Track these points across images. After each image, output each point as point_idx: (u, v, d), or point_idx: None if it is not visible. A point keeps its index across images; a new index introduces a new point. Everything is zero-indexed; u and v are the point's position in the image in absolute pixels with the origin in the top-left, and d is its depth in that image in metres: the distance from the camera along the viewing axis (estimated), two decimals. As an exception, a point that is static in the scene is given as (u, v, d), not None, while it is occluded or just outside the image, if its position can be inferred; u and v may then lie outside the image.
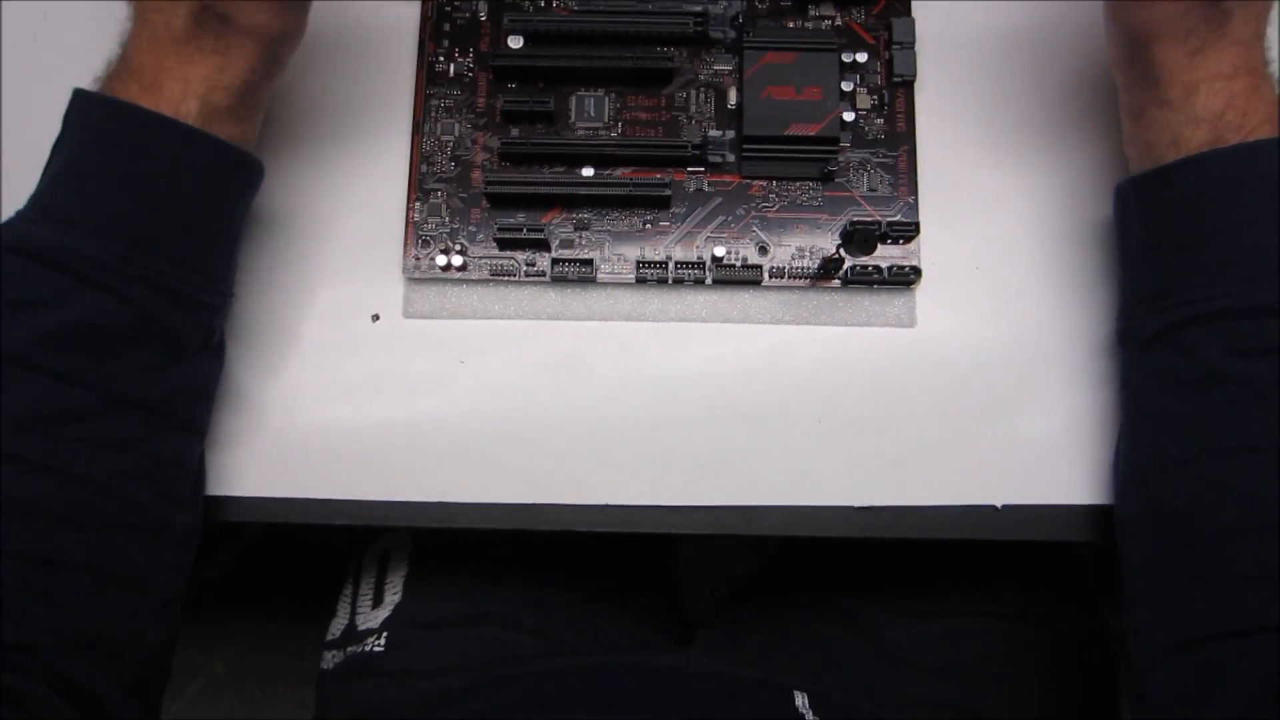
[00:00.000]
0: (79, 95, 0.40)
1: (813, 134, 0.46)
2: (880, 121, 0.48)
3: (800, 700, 0.49)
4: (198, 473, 0.44)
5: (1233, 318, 0.38)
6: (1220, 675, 0.37)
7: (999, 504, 0.45)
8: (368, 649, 0.53)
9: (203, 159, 0.40)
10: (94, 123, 0.40)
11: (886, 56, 0.48)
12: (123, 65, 0.41)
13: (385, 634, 0.53)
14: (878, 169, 0.47)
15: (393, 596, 0.55)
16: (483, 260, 0.47)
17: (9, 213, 0.40)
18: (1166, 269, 0.41)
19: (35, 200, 0.40)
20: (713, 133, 0.48)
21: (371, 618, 0.54)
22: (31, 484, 0.37)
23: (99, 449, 0.38)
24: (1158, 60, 0.40)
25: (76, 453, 0.37)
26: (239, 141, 0.42)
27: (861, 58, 0.48)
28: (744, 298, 0.47)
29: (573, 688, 0.50)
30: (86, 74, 0.42)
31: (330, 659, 0.55)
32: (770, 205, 0.47)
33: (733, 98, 0.48)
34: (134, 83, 0.40)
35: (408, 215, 0.47)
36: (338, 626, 0.56)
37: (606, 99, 0.48)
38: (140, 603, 0.39)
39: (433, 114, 0.48)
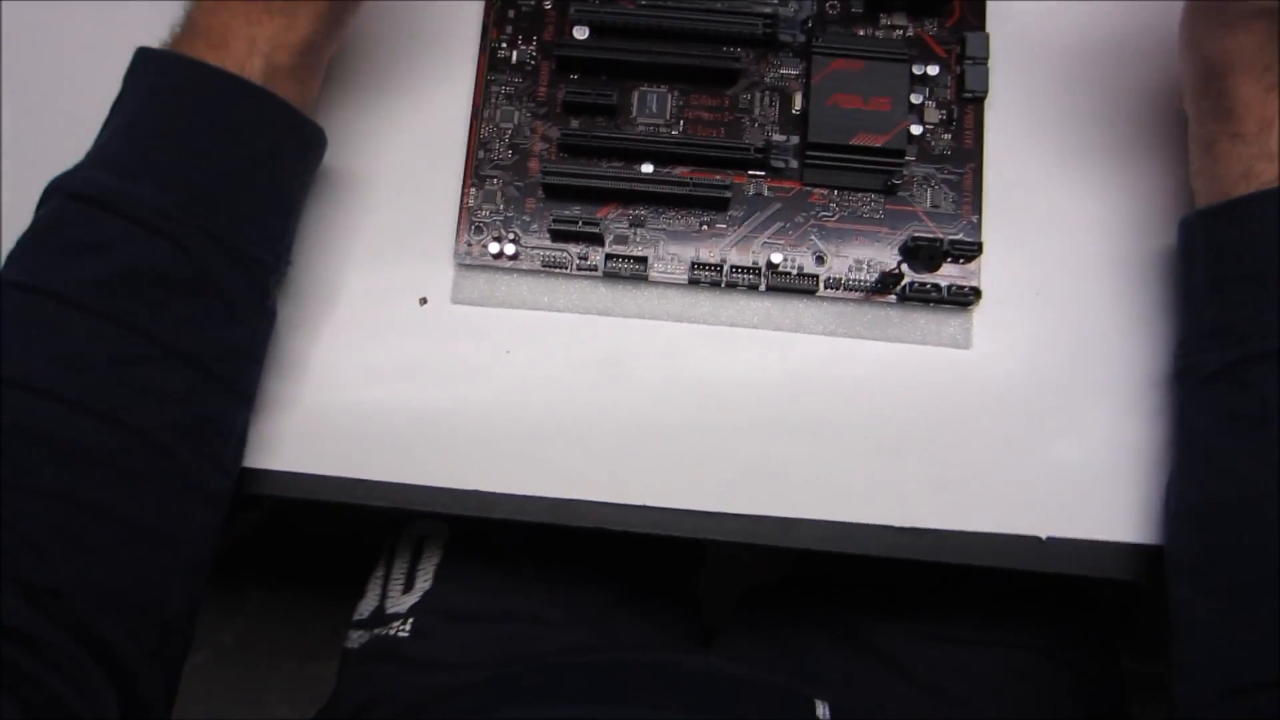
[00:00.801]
0: (142, 52, 0.41)
1: (878, 145, 0.45)
2: (948, 137, 0.47)
3: (822, 710, 0.48)
4: (239, 440, 0.43)
5: None
6: None
7: (1044, 536, 0.44)
8: (393, 633, 0.53)
9: (265, 117, 0.41)
10: (158, 78, 0.40)
11: (958, 71, 0.47)
12: (189, 26, 0.41)
13: (411, 620, 0.53)
14: (942, 185, 0.47)
15: (424, 583, 0.54)
16: (535, 250, 0.46)
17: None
18: (1231, 305, 0.40)
19: (95, 152, 0.40)
20: (776, 137, 0.47)
21: (401, 602, 0.54)
22: (75, 425, 0.37)
23: (145, 398, 0.38)
24: (1232, 93, 0.40)
25: (122, 398, 0.37)
26: (299, 103, 0.42)
27: (933, 70, 0.47)
28: (797, 307, 0.46)
29: (594, 681, 0.50)
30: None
31: (356, 639, 0.55)
32: (830, 215, 0.46)
33: (798, 103, 0.47)
34: (200, 42, 0.41)
35: (462, 200, 0.47)
36: (366, 607, 0.56)
37: (669, 96, 0.48)
38: (167, 561, 0.39)
39: (493, 100, 0.48)
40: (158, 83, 0.40)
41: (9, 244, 0.39)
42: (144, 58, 0.41)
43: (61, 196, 0.39)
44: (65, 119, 0.42)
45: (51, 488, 0.36)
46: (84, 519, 0.36)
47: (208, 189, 0.40)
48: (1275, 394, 0.38)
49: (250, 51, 0.41)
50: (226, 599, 1.12)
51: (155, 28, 0.42)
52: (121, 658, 0.36)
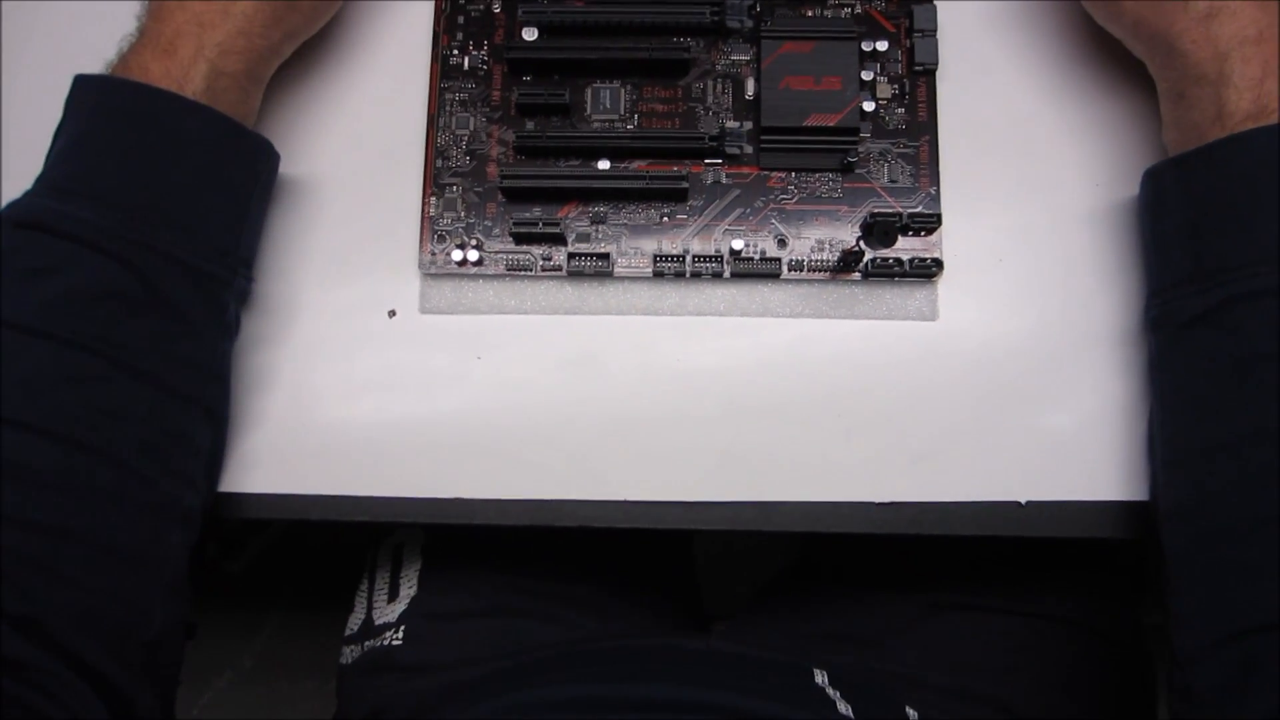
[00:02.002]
0: (79, 78, 0.42)
1: (832, 124, 0.45)
2: (901, 111, 0.47)
3: (820, 677, 0.48)
4: (211, 456, 0.44)
5: (1278, 295, 0.37)
6: (1265, 668, 0.36)
7: (1023, 500, 0.44)
8: (386, 643, 0.53)
9: (201, 130, 0.41)
10: (95, 101, 0.41)
11: (908, 45, 0.47)
12: (140, 33, 0.43)
13: (403, 627, 0.53)
14: (898, 160, 0.47)
15: (408, 590, 0.55)
16: (499, 255, 0.47)
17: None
18: (1209, 249, 0.40)
19: (40, 179, 0.41)
20: (730, 124, 0.47)
21: (388, 611, 0.54)
22: (35, 449, 0.37)
23: (104, 417, 0.38)
24: (1171, 38, 0.40)
25: (81, 419, 0.38)
26: (240, 111, 0.43)
27: (882, 46, 0.47)
28: (763, 291, 0.46)
29: (594, 664, 0.50)
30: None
31: (349, 654, 0.56)
32: (789, 197, 0.47)
33: (750, 88, 0.47)
34: (148, 49, 0.42)
35: (423, 210, 0.47)
36: (355, 621, 0.56)
37: (622, 91, 0.48)
38: (143, 580, 0.39)
39: (448, 108, 0.48)
40: (95, 105, 0.41)
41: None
42: (81, 83, 0.42)
43: (8, 226, 0.40)
44: (21, 148, 0.43)
45: (18, 514, 0.36)
46: (53, 543, 0.36)
47: (151, 205, 0.40)
48: (1258, 332, 0.38)
49: (196, 57, 0.41)
50: (244, 621, 1.13)
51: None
52: (110, 680, 0.36)
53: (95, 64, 0.43)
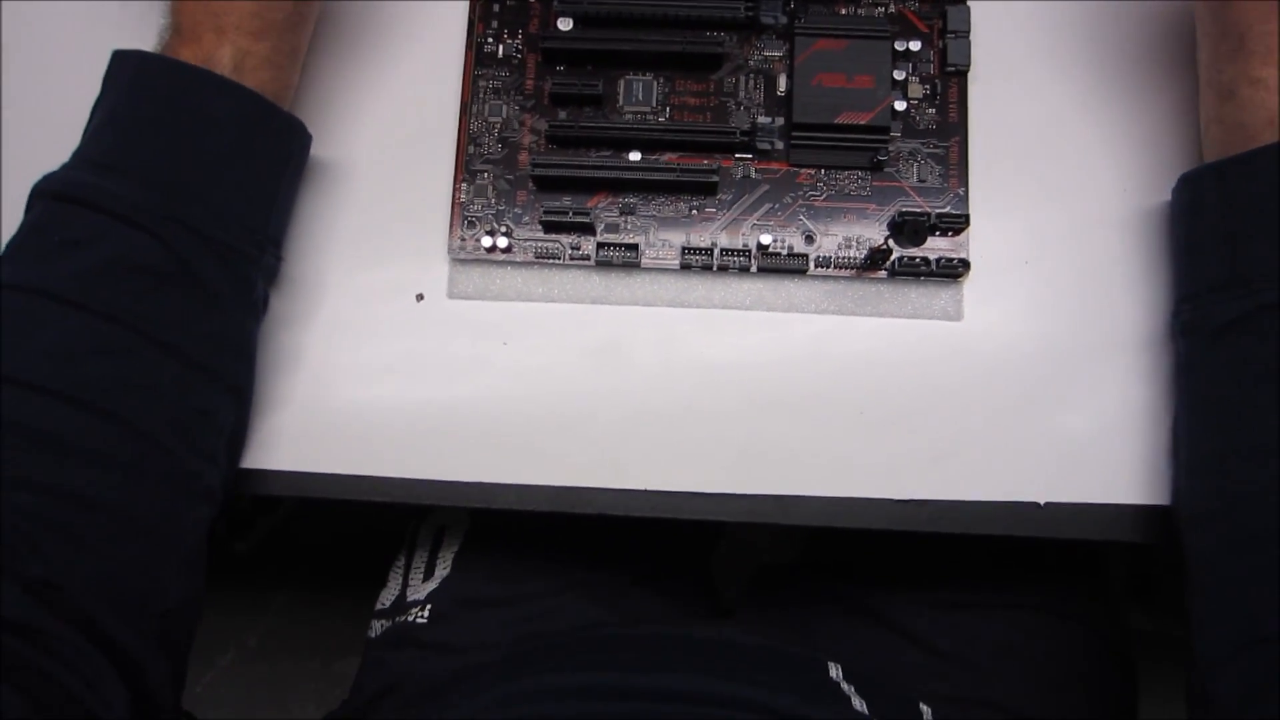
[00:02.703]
0: (117, 54, 0.42)
1: (863, 123, 0.45)
2: (932, 111, 0.47)
3: (835, 671, 0.49)
4: (234, 434, 0.44)
5: None
6: None
7: (1042, 501, 0.44)
8: (411, 619, 0.54)
9: (231, 107, 0.42)
10: (130, 77, 0.42)
11: (940, 45, 0.48)
12: (169, 26, 0.43)
13: (429, 606, 0.54)
14: (928, 159, 0.47)
15: (442, 571, 0.55)
16: (527, 242, 0.47)
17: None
18: (1246, 255, 0.40)
19: (76, 153, 0.42)
20: (761, 119, 0.47)
21: (420, 590, 0.55)
22: (62, 417, 0.37)
23: (131, 389, 0.39)
24: (1250, 34, 0.40)
25: (109, 390, 0.38)
26: (273, 89, 0.43)
27: (915, 46, 0.47)
28: (789, 286, 0.47)
29: (607, 650, 0.50)
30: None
31: (379, 627, 0.56)
32: (818, 194, 0.47)
33: (782, 84, 0.48)
34: (177, 39, 0.43)
35: (454, 196, 0.48)
36: (388, 597, 0.57)
37: (655, 83, 0.48)
38: (160, 552, 0.40)
39: (481, 95, 0.48)
40: (130, 82, 0.42)
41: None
42: (118, 59, 0.42)
43: (45, 199, 0.40)
44: (58, 123, 0.43)
45: (41, 480, 0.37)
46: (74, 511, 0.37)
47: (182, 181, 0.41)
48: None
49: (219, 40, 0.42)
50: (250, 601, 1.13)
51: (149, 30, 0.43)
52: (124, 649, 0.37)
53: (89, 66, 0.43)
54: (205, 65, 0.42)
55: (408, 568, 0.57)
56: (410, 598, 0.55)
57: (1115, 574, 0.59)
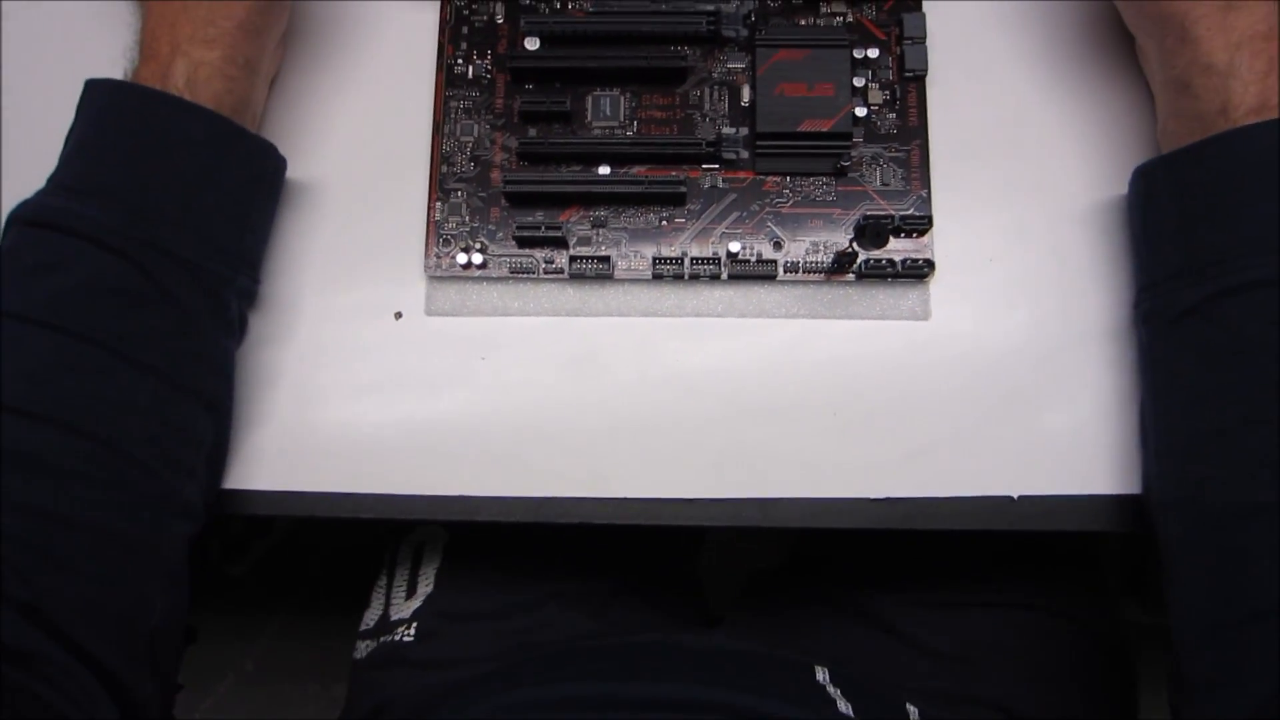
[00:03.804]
0: (88, 84, 0.44)
1: (825, 130, 0.46)
2: (892, 116, 0.48)
3: (821, 674, 0.49)
4: (213, 450, 0.45)
5: (1269, 287, 0.38)
6: (1259, 654, 0.36)
7: (1015, 495, 0.45)
8: (398, 638, 0.54)
9: (199, 130, 0.43)
10: (100, 102, 0.43)
11: (898, 52, 0.49)
12: (135, 46, 0.45)
13: (415, 624, 0.54)
14: (890, 163, 0.48)
15: (425, 588, 0.56)
16: (502, 258, 0.48)
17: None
18: (1201, 243, 0.41)
19: (50, 179, 0.43)
20: (726, 130, 0.48)
21: (404, 608, 0.55)
22: (40, 437, 0.38)
23: (107, 407, 0.40)
24: (1187, 22, 0.40)
25: (84, 409, 0.39)
26: (230, 102, 0.44)
27: (873, 53, 0.48)
28: (759, 292, 0.48)
29: (597, 661, 0.51)
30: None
31: (363, 648, 0.56)
32: (784, 201, 0.48)
33: (746, 95, 0.49)
34: (140, 57, 0.44)
35: (429, 215, 0.48)
36: (371, 617, 0.57)
37: (622, 98, 0.49)
38: (143, 569, 0.40)
39: (452, 115, 0.49)
40: (99, 107, 0.43)
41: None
42: (90, 87, 0.43)
43: (19, 225, 0.41)
44: (32, 149, 0.44)
45: (21, 500, 0.37)
46: (56, 532, 0.37)
47: (151, 204, 0.42)
48: (1249, 323, 0.39)
49: (173, 54, 0.43)
50: (247, 624, 1.13)
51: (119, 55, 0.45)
52: (112, 670, 0.37)
53: (99, 66, 0.44)
54: (163, 81, 0.43)
55: (389, 587, 0.58)
56: (394, 616, 0.55)
57: (1109, 569, 0.59)
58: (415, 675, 0.53)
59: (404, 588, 0.57)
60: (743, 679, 0.50)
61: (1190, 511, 0.40)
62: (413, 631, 0.54)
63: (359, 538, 0.65)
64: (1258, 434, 0.38)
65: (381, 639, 0.55)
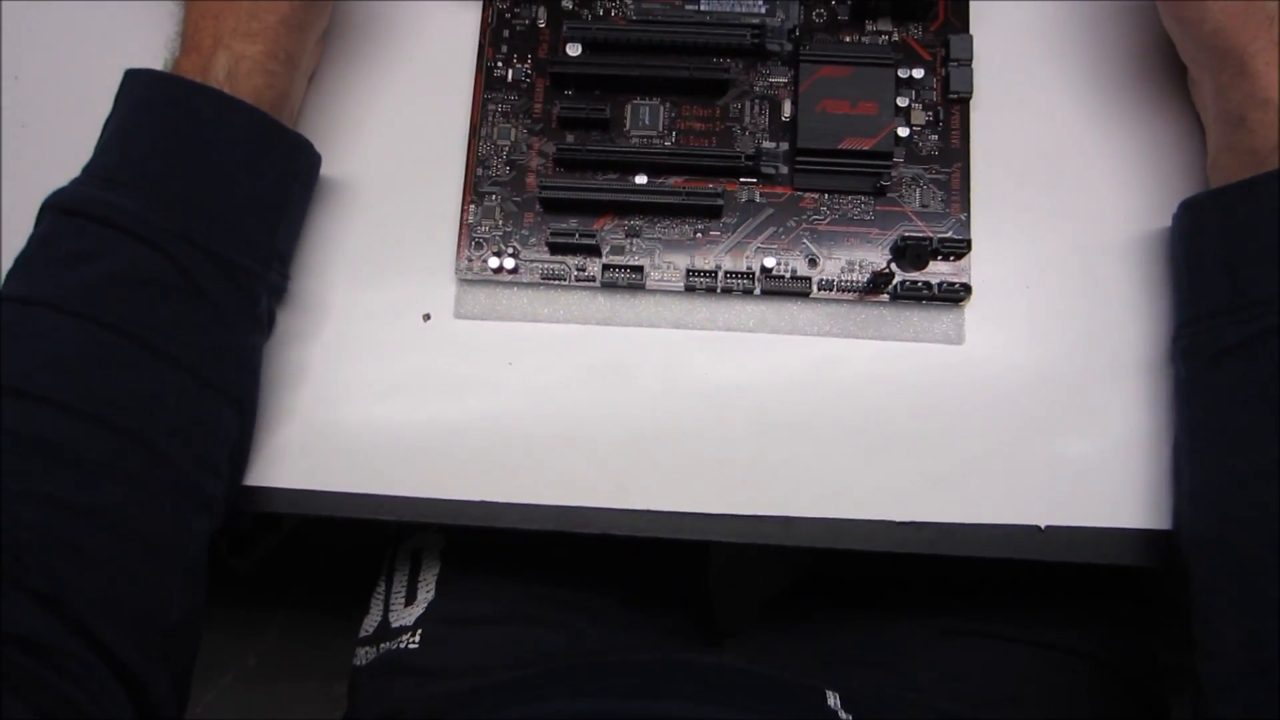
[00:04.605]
0: (128, 74, 0.44)
1: (866, 148, 0.46)
2: (934, 138, 0.48)
3: (833, 700, 0.49)
4: (236, 447, 0.44)
5: None
6: None
7: (1042, 524, 0.45)
8: (402, 646, 0.54)
9: (236, 124, 0.43)
10: (138, 94, 0.43)
11: (943, 73, 0.48)
12: (177, 37, 0.45)
13: (420, 631, 0.54)
14: (930, 185, 0.47)
15: (426, 594, 0.55)
16: (534, 264, 0.48)
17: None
18: (1247, 281, 0.40)
19: (86, 168, 0.42)
20: (766, 144, 0.48)
21: (405, 615, 0.55)
22: (67, 428, 0.38)
23: (135, 400, 0.39)
24: (1245, 57, 0.40)
25: (112, 401, 0.39)
26: (270, 97, 0.44)
27: (918, 74, 0.48)
28: (792, 309, 0.47)
29: (606, 678, 0.50)
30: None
31: (364, 655, 0.56)
32: (821, 218, 0.47)
33: (787, 110, 0.48)
34: (182, 49, 0.44)
35: (462, 217, 0.48)
36: (371, 623, 0.57)
37: (662, 108, 0.49)
38: (163, 565, 0.40)
39: (490, 118, 0.49)
40: (138, 99, 0.43)
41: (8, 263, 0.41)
42: (130, 78, 0.43)
43: (53, 213, 0.41)
44: (68, 138, 0.44)
45: (45, 491, 0.37)
46: (77, 523, 0.37)
47: (186, 196, 0.42)
48: None
49: (215, 46, 0.43)
50: (250, 621, 1.13)
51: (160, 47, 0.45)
52: (128, 663, 0.37)
53: (140, 56, 0.45)
54: (203, 74, 0.43)
55: (388, 593, 0.57)
56: (395, 623, 0.55)
57: (1141, 604, 0.58)
58: (422, 683, 0.53)
59: (403, 594, 0.56)
60: (754, 700, 0.49)
61: (1223, 552, 0.40)
62: (417, 639, 0.54)
63: (366, 537, 0.64)
64: None
65: (383, 646, 0.55)
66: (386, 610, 0.56)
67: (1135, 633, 0.56)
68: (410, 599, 0.56)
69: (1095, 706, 0.53)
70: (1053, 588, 0.55)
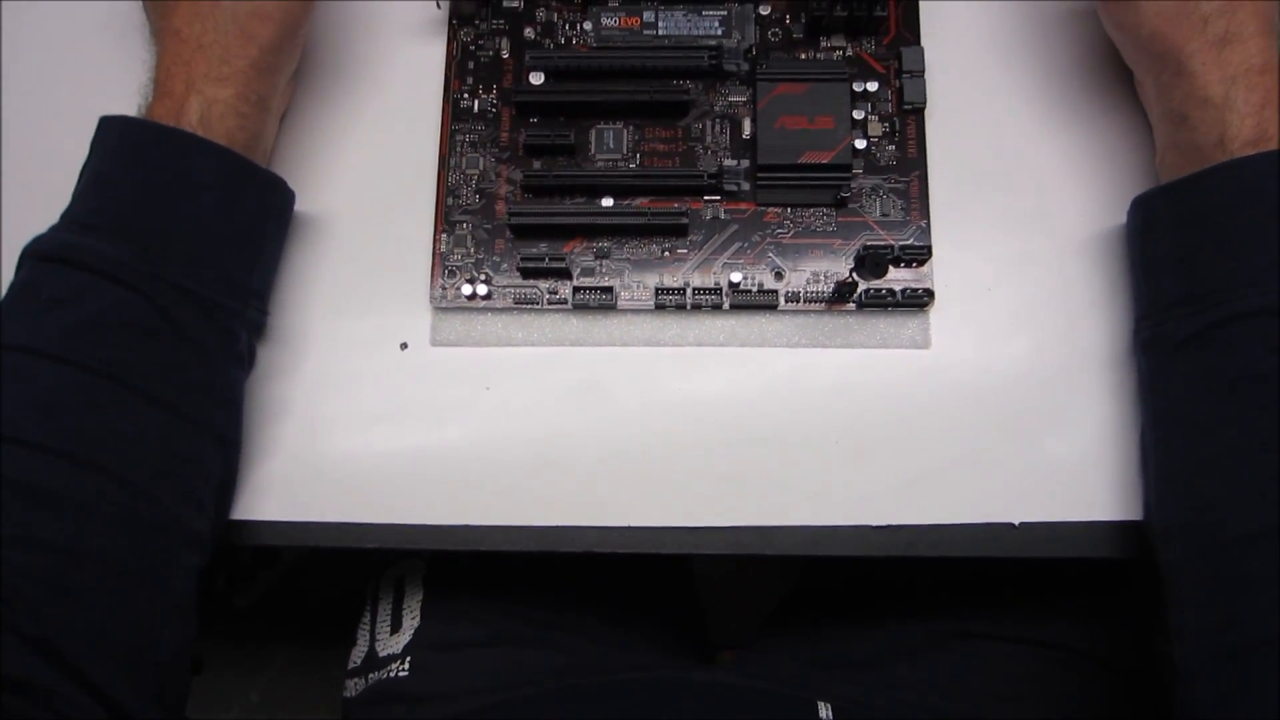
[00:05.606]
0: (102, 120, 0.44)
1: (825, 162, 0.47)
2: (892, 148, 0.49)
3: (824, 711, 0.49)
4: (222, 482, 0.45)
5: (1269, 315, 0.39)
6: (1264, 683, 0.36)
7: (1016, 521, 0.45)
8: (391, 674, 0.54)
9: (210, 167, 0.44)
10: (111, 141, 0.44)
11: (897, 85, 0.49)
12: (149, 83, 0.45)
13: (408, 658, 0.54)
14: (890, 194, 0.48)
15: (411, 621, 0.55)
16: (506, 289, 0.48)
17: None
18: (1200, 272, 0.41)
19: (64, 215, 0.43)
20: (728, 162, 0.49)
21: (391, 643, 0.55)
22: (50, 470, 0.38)
23: (117, 440, 0.40)
24: (1181, 57, 0.41)
25: (95, 442, 0.39)
26: (243, 139, 0.45)
27: (872, 87, 0.49)
28: (760, 322, 0.48)
29: (598, 699, 0.51)
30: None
31: (353, 687, 0.56)
32: (785, 231, 0.48)
33: (747, 128, 0.49)
34: (154, 94, 0.45)
35: (434, 246, 0.49)
36: (358, 654, 0.57)
37: (625, 131, 0.50)
38: (151, 602, 0.40)
39: (458, 149, 0.50)
40: (113, 144, 0.44)
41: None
42: (104, 124, 0.44)
43: (33, 259, 0.42)
44: (46, 185, 0.45)
45: (30, 534, 0.37)
46: (66, 565, 0.38)
47: (163, 239, 0.42)
48: (1251, 352, 0.39)
49: (188, 91, 0.44)
50: (252, 656, 1.13)
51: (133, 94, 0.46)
52: (120, 702, 0.37)
53: (113, 103, 0.45)
54: (177, 118, 0.43)
55: (373, 623, 0.57)
56: (383, 653, 0.55)
57: (1135, 599, 0.58)
58: (414, 710, 0.53)
59: (388, 623, 0.56)
60: (745, 715, 0.50)
61: (1192, 538, 0.40)
62: (406, 666, 0.54)
63: (366, 570, 0.65)
64: (1258, 461, 0.38)
65: (371, 676, 0.55)
66: (373, 640, 0.56)
67: (1129, 627, 0.57)
68: (396, 627, 0.56)
69: (1092, 703, 0.53)
70: (1044, 586, 0.55)
